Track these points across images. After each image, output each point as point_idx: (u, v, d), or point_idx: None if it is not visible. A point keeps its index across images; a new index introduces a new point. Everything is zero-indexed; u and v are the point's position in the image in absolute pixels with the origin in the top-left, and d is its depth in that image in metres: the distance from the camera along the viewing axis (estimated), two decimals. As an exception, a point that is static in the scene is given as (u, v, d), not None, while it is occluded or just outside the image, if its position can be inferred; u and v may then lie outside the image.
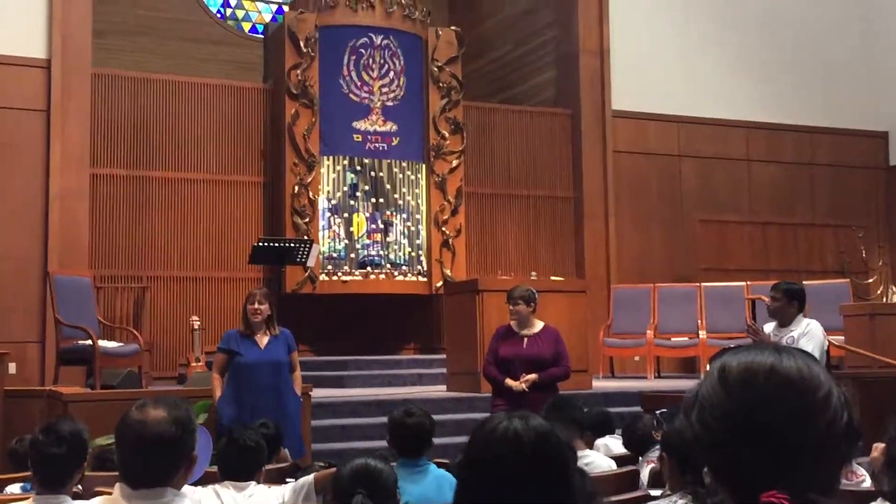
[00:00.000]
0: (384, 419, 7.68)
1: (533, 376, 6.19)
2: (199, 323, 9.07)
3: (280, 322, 6.33)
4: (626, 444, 5.01)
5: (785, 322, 6.02)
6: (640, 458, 4.81)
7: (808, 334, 5.89)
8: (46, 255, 9.90)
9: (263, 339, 5.99)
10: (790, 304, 6.02)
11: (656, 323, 11.22)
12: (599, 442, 5.32)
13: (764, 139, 13.34)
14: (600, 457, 4.32)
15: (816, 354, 5.79)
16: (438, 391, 8.65)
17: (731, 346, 2.17)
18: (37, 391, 6.87)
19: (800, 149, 13.53)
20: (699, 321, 11.11)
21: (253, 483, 3.40)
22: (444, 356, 9.66)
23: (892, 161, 13.95)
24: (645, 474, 4.29)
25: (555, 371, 6.36)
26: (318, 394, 7.53)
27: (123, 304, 10.35)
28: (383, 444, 6.40)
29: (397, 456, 4.11)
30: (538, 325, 6.49)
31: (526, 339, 6.41)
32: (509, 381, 6.24)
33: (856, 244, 13.20)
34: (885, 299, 12.81)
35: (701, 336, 10.93)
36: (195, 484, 3.85)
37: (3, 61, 9.87)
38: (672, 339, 11.13)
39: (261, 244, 8.38)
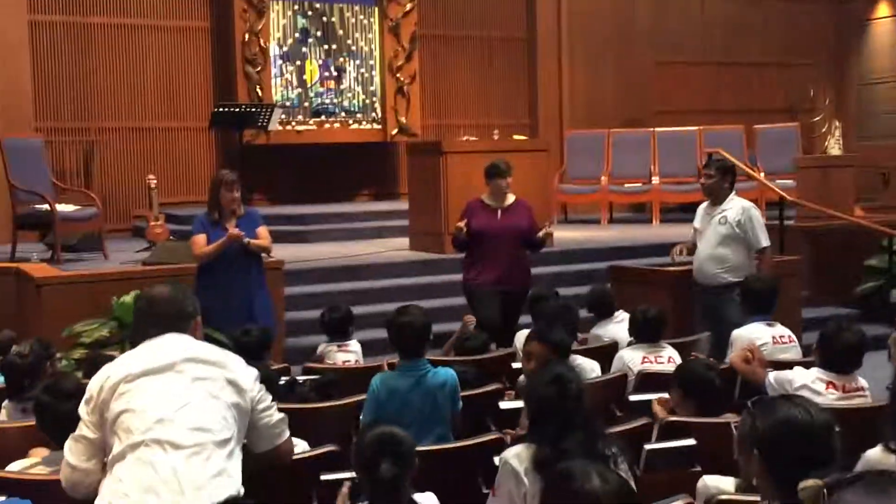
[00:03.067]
0: (351, 284, 7.82)
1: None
2: (155, 182, 8.84)
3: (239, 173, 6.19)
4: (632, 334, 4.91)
5: (718, 199, 6.03)
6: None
7: (752, 223, 5.91)
8: (-11, 109, 9.49)
9: (232, 222, 5.85)
10: (724, 180, 6.03)
11: (610, 169, 11.26)
12: (605, 331, 5.35)
13: (717, -25, 13.08)
14: (587, 361, 4.36)
15: (766, 237, 5.86)
16: (402, 251, 8.64)
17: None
18: (4, 269, 6.72)
19: (754, -17, 13.31)
20: (652, 167, 11.16)
21: None
22: (401, 205, 9.64)
23: (843, -5, 13.85)
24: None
25: (535, 239, 6.41)
26: (283, 253, 7.45)
27: (73, 157, 10.03)
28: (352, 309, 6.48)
29: (400, 357, 4.06)
30: (511, 198, 6.48)
31: (500, 212, 6.42)
32: (459, 224, 6.22)
33: (804, 82, 13.24)
34: (828, 137, 12.98)
35: (654, 182, 11.02)
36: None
37: None
38: (626, 185, 11.21)
39: (221, 109, 8.08)
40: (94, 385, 2.88)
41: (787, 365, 4.24)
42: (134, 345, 3.03)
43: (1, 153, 8.33)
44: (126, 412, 2.79)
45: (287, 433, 3.07)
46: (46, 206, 8.03)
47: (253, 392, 2.95)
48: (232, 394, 2.89)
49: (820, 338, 3.96)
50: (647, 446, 3.26)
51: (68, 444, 2.86)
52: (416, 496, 2.88)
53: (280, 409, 3.51)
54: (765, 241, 5.99)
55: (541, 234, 6.29)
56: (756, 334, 4.84)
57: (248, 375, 2.97)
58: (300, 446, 3.31)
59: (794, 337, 5.03)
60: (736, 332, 4.93)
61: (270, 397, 3.05)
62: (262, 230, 5.98)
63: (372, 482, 2.77)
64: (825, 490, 1.77)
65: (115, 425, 2.79)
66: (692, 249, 6.26)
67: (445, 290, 7.57)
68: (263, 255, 6.07)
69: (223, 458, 2.79)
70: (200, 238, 5.79)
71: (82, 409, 2.88)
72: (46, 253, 8.19)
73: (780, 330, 4.99)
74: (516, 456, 2.93)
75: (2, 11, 9.48)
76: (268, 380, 3.43)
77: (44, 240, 8.66)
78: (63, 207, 8.23)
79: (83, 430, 2.85)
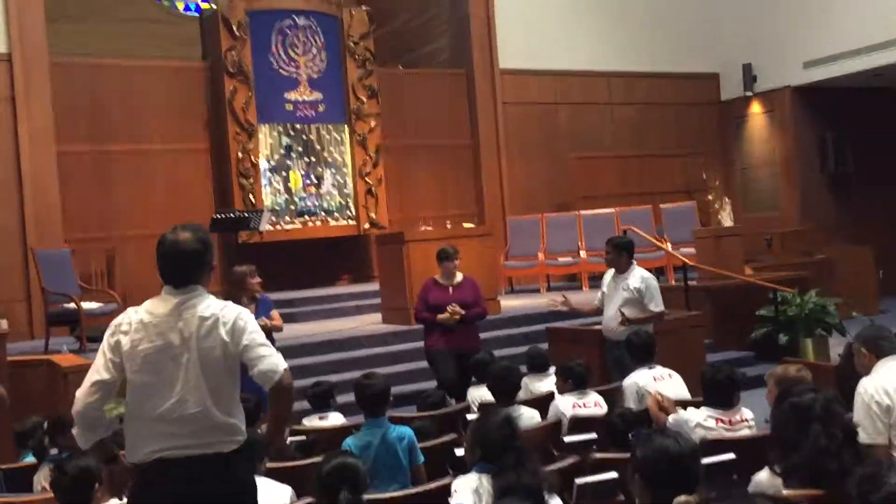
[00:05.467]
0: (334, 356, 7.73)
1: (458, 310, 6.19)
2: (167, 278, 8.74)
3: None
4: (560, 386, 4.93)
5: (621, 270, 6.02)
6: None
7: (648, 290, 5.88)
8: (24, 226, 9.41)
9: (251, 307, 5.83)
10: (621, 255, 6.01)
11: (545, 246, 11.34)
12: (542, 384, 5.30)
13: (622, 85, 13.40)
14: (528, 410, 4.34)
15: (660, 302, 5.86)
16: (375, 324, 8.60)
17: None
18: (36, 361, 6.57)
19: (650, 91, 13.64)
20: (580, 243, 11.26)
21: None
22: (375, 286, 9.61)
23: (722, 97, 14.22)
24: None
25: (475, 311, 6.43)
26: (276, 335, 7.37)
27: (96, 262, 9.90)
28: (332, 377, 6.40)
29: (365, 416, 4.00)
30: (459, 276, 6.50)
31: (451, 288, 6.43)
32: (440, 316, 6.24)
33: (697, 168, 13.51)
34: (720, 211, 13.18)
35: (582, 255, 11.11)
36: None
37: (-33, 57, 9.15)
38: (559, 258, 11.28)
39: (218, 216, 8.06)
40: (118, 339, 2.73)
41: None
42: (161, 278, 2.83)
43: (35, 263, 8.24)
44: (139, 385, 2.70)
45: (276, 377, 2.77)
46: (73, 305, 7.91)
47: (238, 347, 2.75)
48: (225, 359, 2.73)
49: (701, 381, 3.95)
50: (578, 481, 3.21)
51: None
52: None
53: (269, 468, 3.43)
54: (657, 308, 5.91)
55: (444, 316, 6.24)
56: (638, 379, 4.84)
57: (237, 339, 2.74)
58: (286, 493, 3.22)
59: (672, 373, 4.95)
60: (624, 382, 4.93)
61: (258, 349, 2.76)
62: (275, 313, 6.05)
63: None
64: None
65: (128, 383, 2.71)
66: (567, 301, 6.27)
67: (413, 356, 7.52)
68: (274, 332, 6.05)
69: (224, 416, 2.70)
70: None
71: (104, 346, 2.75)
72: (75, 344, 8.03)
73: (659, 371, 4.95)
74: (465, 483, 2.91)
75: (33, 144, 9.47)
76: (256, 443, 3.35)
77: (73, 333, 8.50)
78: (88, 304, 8.12)
79: (100, 368, 2.72)
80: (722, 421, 3.75)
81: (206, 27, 10.99)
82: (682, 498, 2.03)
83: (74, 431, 2.79)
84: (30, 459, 4.29)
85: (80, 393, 2.76)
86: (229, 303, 2.86)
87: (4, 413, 4.46)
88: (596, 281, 11.20)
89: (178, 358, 2.71)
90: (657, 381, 4.82)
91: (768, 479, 2.83)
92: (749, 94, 13.62)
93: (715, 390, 3.83)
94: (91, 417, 2.74)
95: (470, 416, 4.60)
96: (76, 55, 10.16)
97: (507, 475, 2.81)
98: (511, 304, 9.41)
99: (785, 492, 2.68)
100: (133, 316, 2.79)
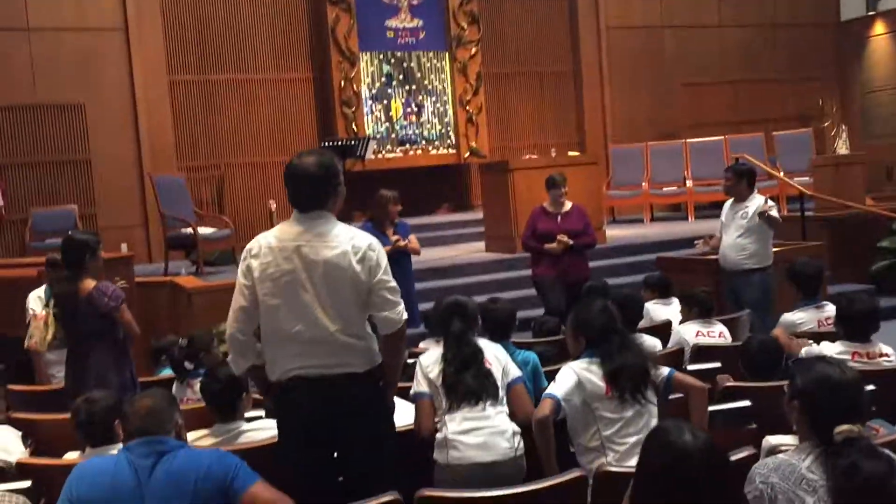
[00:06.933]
0: (437, 282, 7.80)
1: (567, 239, 6.14)
2: (275, 205, 8.97)
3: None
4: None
5: (740, 198, 5.84)
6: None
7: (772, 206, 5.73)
8: (140, 154, 9.75)
9: (390, 231, 6.18)
10: (740, 182, 5.82)
11: (650, 175, 11.07)
12: (664, 310, 5.20)
13: (732, 6, 12.76)
14: (650, 338, 4.28)
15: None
16: (478, 252, 8.62)
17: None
18: (161, 282, 6.87)
19: (762, 12, 12.97)
20: (685, 172, 10.95)
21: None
22: (475, 215, 9.61)
23: (842, 17, 13.39)
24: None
25: (585, 239, 6.35)
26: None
27: (207, 189, 10.22)
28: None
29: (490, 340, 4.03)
30: (568, 205, 6.42)
31: (559, 217, 6.37)
32: (548, 246, 6.21)
33: (813, 93, 12.86)
34: (836, 139, 12.57)
35: (688, 185, 10.81)
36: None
37: (83, -12, 9.41)
38: (664, 188, 11.01)
39: (325, 144, 8.15)
40: (248, 263, 2.79)
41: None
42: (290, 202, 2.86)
43: (154, 189, 8.55)
44: (270, 307, 2.75)
45: (397, 326, 2.81)
46: (190, 230, 8.21)
47: (369, 282, 2.77)
48: (354, 286, 2.76)
49: (836, 313, 3.77)
50: (709, 408, 3.17)
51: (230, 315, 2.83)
52: (481, 341, 3.29)
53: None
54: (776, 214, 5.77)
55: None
56: (799, 318, 4.53)
57: (370, 272, 2.76)
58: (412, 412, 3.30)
59: None
60: (783, 317, 4.64)
61: (387, 292, 2.78)
62: (413, 237, 6.23)
63: (446, 335, 3.26)
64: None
65: (260, 305, 2.78)
66: (709, 242, 6.09)
67: (517, 284, 7.52)
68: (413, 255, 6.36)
69: (353, 338, 2.77)
70: None
71: (239, 273, 2.83)
72: (192, 267, 8.37)
73: (829, 311, 4.42)
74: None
75: (147, 74, 9.74)
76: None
77: (188, 257, 8.85)
78: (203, 230, 8.40)
79: (237, 295, 2.80)
80: (859, 355, 3.59)
81: (308, -46, 10.95)
82: (845, 427, 1.96)
83: (229, 358, 2.91)
84: (167, 373, 4.52)
85: (229, 320, 2.87)
86: (358, 230, 2.88)
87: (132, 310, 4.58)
88: (702, 211, 10.97)
89: (304, 282, 2.75)
90: (822, 327, 4.39)
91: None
92: (872, 13, 12.80)
93: (851, 323, 3.67)
94: (239, 342, 2.84)
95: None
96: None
97: (614, 358, 2.98)
98: (614, 234, 9.26)
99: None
100: (262, 241, 2.84)
